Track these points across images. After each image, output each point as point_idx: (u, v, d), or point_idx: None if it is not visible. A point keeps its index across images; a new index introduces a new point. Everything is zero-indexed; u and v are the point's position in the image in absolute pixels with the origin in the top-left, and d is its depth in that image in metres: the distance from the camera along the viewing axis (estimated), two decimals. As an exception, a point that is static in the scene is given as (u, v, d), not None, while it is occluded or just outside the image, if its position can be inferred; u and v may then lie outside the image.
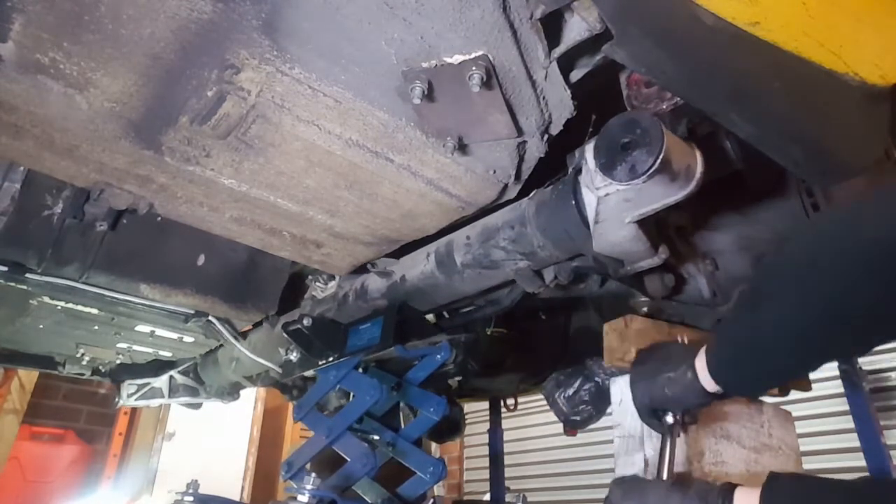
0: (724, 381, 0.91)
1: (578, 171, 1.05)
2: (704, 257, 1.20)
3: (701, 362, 0.94)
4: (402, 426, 1.52)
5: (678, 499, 0.87)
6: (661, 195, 0.90)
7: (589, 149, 0.93)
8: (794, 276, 0.78)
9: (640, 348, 1.16)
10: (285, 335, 1.57)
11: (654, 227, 1.04)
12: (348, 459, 1.40)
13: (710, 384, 0.93)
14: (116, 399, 2.57)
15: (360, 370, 1.54)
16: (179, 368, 2.42)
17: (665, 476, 0.99)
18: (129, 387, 2.51)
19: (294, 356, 1.67)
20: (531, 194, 1.18)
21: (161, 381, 2.44)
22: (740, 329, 0.90)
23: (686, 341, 1.21)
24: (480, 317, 1.59)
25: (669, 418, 1.01)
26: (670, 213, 1.19)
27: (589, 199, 0.99)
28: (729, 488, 0.84)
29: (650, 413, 1.04)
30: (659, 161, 0.80)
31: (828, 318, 0.75)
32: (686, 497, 0.86)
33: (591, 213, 0.99)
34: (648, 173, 0.81)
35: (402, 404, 1.67)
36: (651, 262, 1.05)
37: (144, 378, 2.49)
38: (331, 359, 1.56)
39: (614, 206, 0.94)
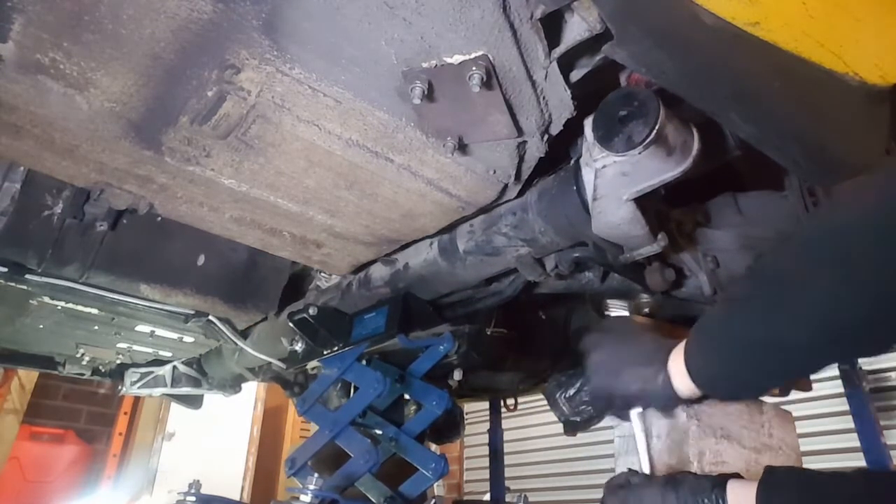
0: (709, 385, 0.87)
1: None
2: (706, 255, 1.20)
3: (677, 365, 0.90)
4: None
5: (673, 497, 0.87)
6: (657, 171, 0.91)
7: (588, 123, 0.95)
8: (817, 275, 0.72)
9: (600, 327, 1.12)
10: (291, 324, 1.57)
11: (654, 216, 1.04)
12: (351, 455, 1.40)
13: (685, 389, 0.89)
14: (120, 387, 2.57)
15: (364, 363, 1.54)
16: (183, 359, 2.43)
17: (647, 467, 1.00)
18: (132, 374, 2.51)
19: (299, 347, 1.67)
20: (534, 182, 1.18)
21: (164, 370, 2.44)
22: (738, 330, 0.82)
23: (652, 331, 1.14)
24: (482, 308, 1.59)
25: (636, 410, 1.01)
26: (671, 209, 1.19)
27: (588, 177, 1.00)
28: (721, 481, 0.84)
29: (606, 404, 1.03)
30: (655, 132, 0.83)
31: (854, 321, 0.69)
32: (680, 495, 0.86)
33: (589, 191, 0.99)
34: (644, 143, 0.84)
35: (408, 400, 1.67)
36: (650, 248, 1.05)
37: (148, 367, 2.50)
38: (336, 348, 1.56)
39: (612, 179, 0.94)
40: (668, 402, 0.94)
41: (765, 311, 0.76)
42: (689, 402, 0.94)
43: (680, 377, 0.89)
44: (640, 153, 0.86)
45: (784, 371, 0.84)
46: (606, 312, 1.24)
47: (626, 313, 1.20)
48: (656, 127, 0.83)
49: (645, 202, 0.98)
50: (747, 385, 0.88)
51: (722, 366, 0.86)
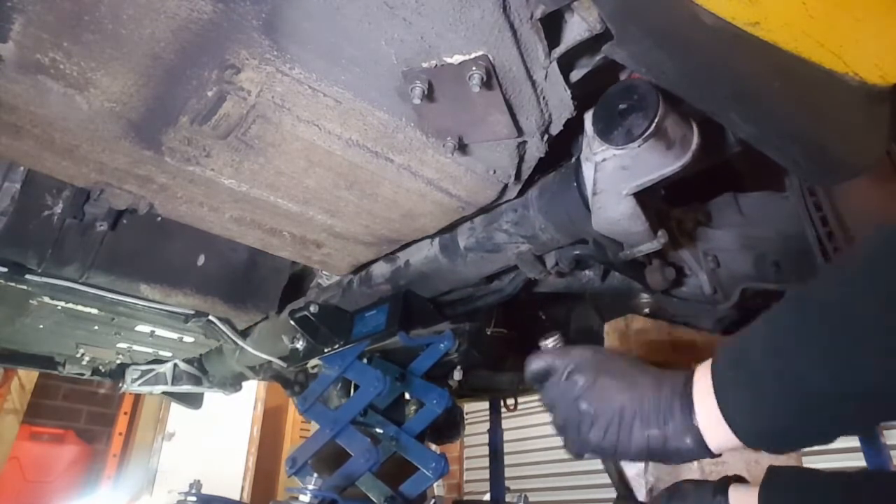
0: (767, 442, 0.68)
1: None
2: (706, 254, 1.21)
3: (709, 416, 0.69)
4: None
5: None
6: (657, 165, 0.91)
7: (588, 116, 0.95)
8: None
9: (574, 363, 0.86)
10: (292, 322, 1.57)
11: (655, 213, 1.05)
12: (352, 454, 1.40)
13: (723, 443, 0.69)
14: (121, 384, 2.58)
15: (365, 361, 1.54)
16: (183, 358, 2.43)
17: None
18: (133, 371, 2.52)
19: (300, 344, 1.67)
20: (535, 179, 1.18)
21: (165, 368, 2.45)
22: (803, 373, 0.61)
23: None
24: (483, 306, 1.59)
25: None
26: (672, 208, 1.19)
27: (588, 172, 1.00)
28: (723, 485, 0.84)
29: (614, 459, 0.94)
30: (654, 125, 0.83)
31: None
32: None
33: (589, 185, 0.99)
34: (644, 136, 0.84)
35: (408, 400, 1.66)
36: (650, 245, 1.05)
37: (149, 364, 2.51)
38: (337, 346, 1.57)
39: (611, 173, 0.94)
40: (696, 457, 0.72)
41: (837, 354, 0.59)
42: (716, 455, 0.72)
43: (715, 432, 0.68)
44: (639, 146, 0.86)
45: (862, 421, 0.68)
46: (544, 343, 0.92)
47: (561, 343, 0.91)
48: (655, 120, 0.84)
49: (645, 198, 0.98)
50: (815, 439, 0.67)
51: (785, 419, 0.64)
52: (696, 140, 0.90)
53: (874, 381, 0.56)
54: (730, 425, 0.67)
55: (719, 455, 0.71)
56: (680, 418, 0.70)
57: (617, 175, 0.94)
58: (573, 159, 1.12)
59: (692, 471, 1.10)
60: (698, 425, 0.69)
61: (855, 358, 0.57)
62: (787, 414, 0.63)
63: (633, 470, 1.07)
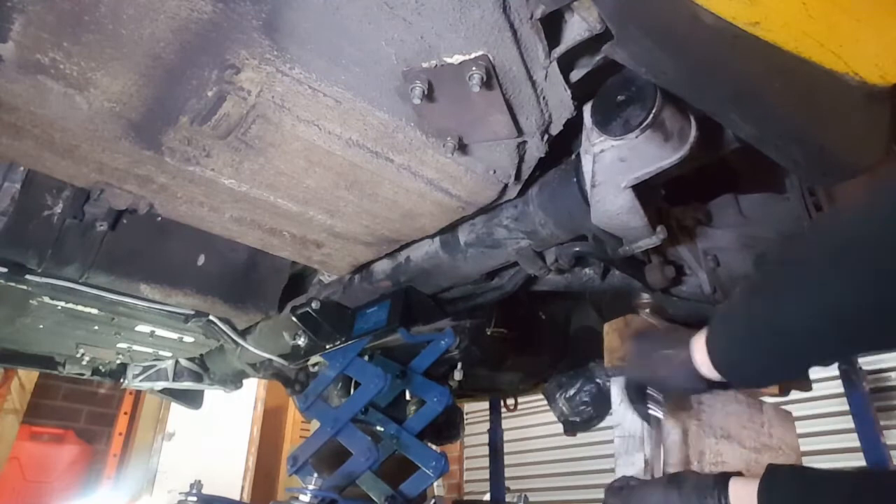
0: (726, 367, 0.87)
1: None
2: (706, 253, 1.21)
3: (699, 345, 0.90)
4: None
5: (676, 496, 0.87)
6: (655, 157, 0.91)
7: (587, 108, 0.95)
8: (823, 264, 0.72)
9: (642, 329, 1.16)
10: (294, 318, 1.57)
11: (654, 209, 1.05)
12: (352, 452, 1.40)
13: (706, 369, 0.89)
14: (122, 380, 2.58)
15: (366, 358, 1.54)
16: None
17: (658, 471, 0.99)
18: (134, 368, 2.52)
19: (302, 341, 1.67)
20: (535, 177, 1.18)
21: (167, 364, 2.46)
22: (752, 314, 0.82)
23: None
24: (484, 303, 1.59)
25: (657, 413, 1.01)
26: (672, 208, 1.19)
27: (587, 166, 1.00)
28: (723, 479, 0.85)
29: (638, 392, 1.04)
30: (652, 115, 0.84)
31: (855, 310, 0.69)
32: (683, 493, 0.87)
33: (588, 178, 0.99)
34: (641, 127, 0.85)
35: (409, 400, 1.66)
36: (649, 241, 1.05)
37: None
38: (338, 342, 1.57)
39: (609, 165, 0.94)
40: (690, 380, 0.92)
41: (774, 296, 0.78)
42: (713, 385, 0.92)
43: (701, 356, 0.90)
44: (636, 137, 0.86)
45: (795, 359, 0.81)
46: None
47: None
48: (653, 111, 0.84)
49: (643, 193, 0.97)
50: (763, 371, 0.86)
51: (737, 350, 0.85)
52: (693, 133, 0.90)
53: (798, 323, 0.74)
54: (708, 353, 0.88)
55: (711, 381, 0.90)
56: (681, 346, 0.93)
57: (615, 167, 0.94)
58: (573, 156, 1.13)
59: (691, 469, 1.10)
60: (692, 350, 0.91)
61: (787, 305, 0.76)
62: (742, 347, 0.83)
63: (636, 468, 1.07)
